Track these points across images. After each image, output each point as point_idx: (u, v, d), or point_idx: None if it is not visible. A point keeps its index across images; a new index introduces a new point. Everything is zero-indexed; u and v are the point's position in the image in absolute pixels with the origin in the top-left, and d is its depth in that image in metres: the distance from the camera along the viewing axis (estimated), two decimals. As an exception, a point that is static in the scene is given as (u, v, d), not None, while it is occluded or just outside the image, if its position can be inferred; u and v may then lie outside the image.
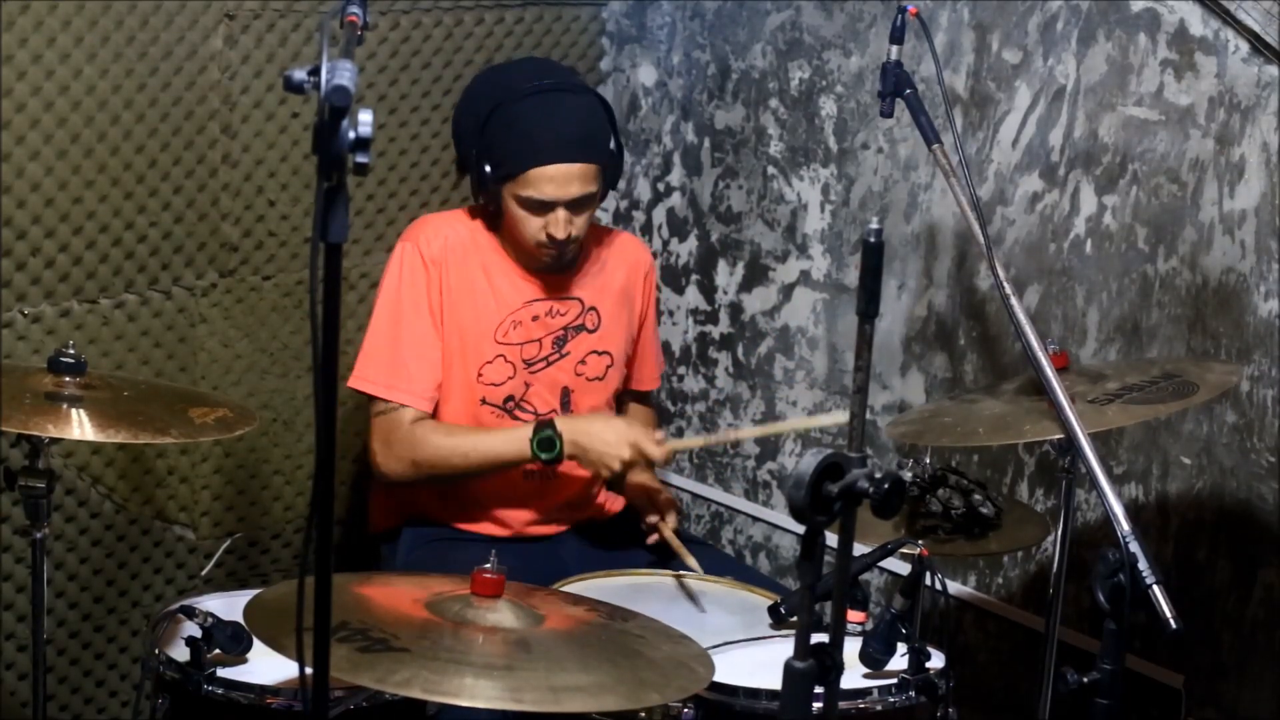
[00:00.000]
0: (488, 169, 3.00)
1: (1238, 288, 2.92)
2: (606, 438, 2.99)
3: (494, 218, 3.09)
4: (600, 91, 3.57)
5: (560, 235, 2.99)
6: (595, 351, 3.20)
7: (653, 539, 3.16)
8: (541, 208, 2.99)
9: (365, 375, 3.07)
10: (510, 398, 3.12)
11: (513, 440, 3.01)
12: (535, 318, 3.13)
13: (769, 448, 3.68)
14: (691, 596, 2.94)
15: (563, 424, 2.99)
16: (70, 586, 3.18)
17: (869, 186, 3.43)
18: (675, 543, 3.10)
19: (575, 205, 3.00)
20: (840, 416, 3.36)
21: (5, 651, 3.13)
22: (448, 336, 3.07)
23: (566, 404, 3.17)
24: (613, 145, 3.07)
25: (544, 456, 2.98)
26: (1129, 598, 2.18)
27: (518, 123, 2.97)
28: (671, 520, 3.15)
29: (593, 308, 3.20)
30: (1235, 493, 2.97)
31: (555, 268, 3.11)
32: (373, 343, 3.07)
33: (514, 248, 3.10)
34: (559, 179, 2.97)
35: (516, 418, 3.12)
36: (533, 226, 3.01)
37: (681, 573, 3.00)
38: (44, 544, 2.50)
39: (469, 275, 3.08)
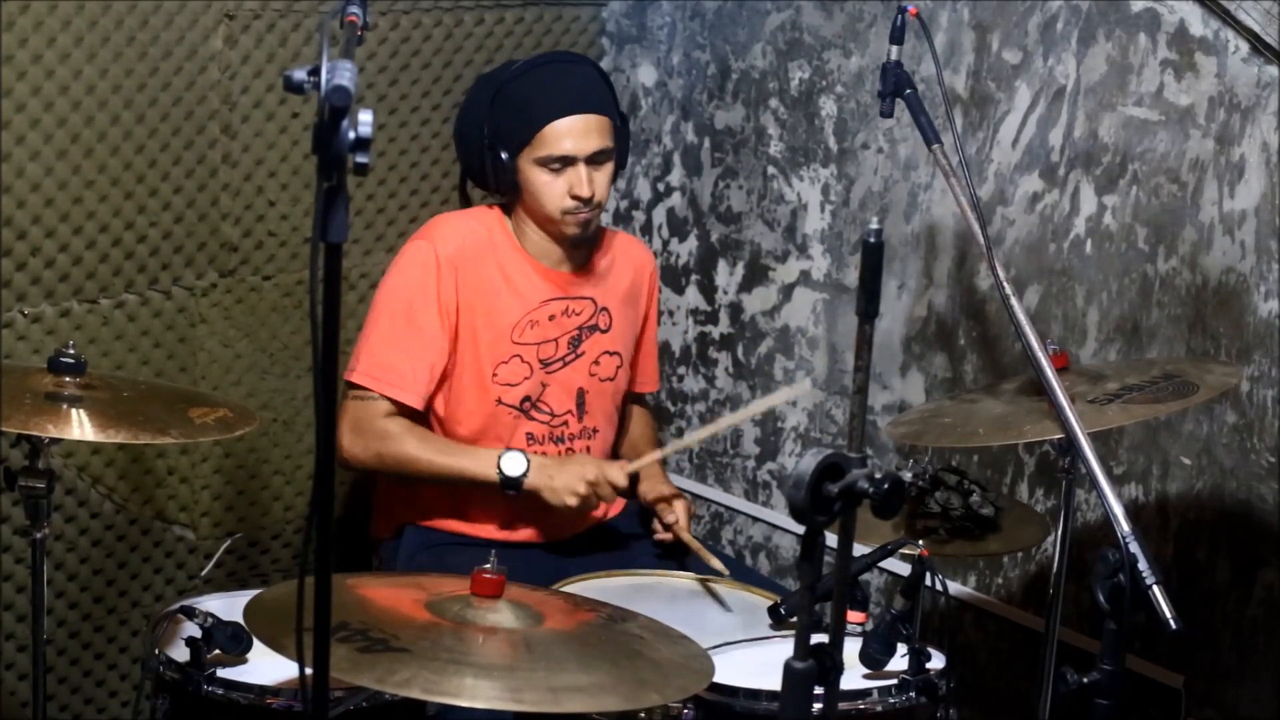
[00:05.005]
0: (503, 155, 3.00)
1: (1238, 288, 2.92)
2: (570, 468, 3.01)
3: (511, 208, 3.09)
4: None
5: (585, 193, 2.99)
6: (607, 352, 3.20)
7: (665, 537, 3.14)
8: (563, 164, 2.99)
9: (353, 364, 3.04)
10: (527, 398, 3.11)
11: (481, 458, 3.01)
12: (552, 317, 3.13)
13: (769, 448, 3.68)
14: (719, 600, 2.94)
15: (536, 458, 3.01)
16: (70, 586, 3.18)
17: (869, 186, 3.43)
18: (696, 545, 3.09)
19: (594, 161, 3.01)
20: (799, 389, 3.34)
21: (5, 651, 3.13)
22: (461, 338, 3.05)
23: (582, 405, 3.16)
24: (617, 119, 3.09)
25: (510, 474, 2.96)
26: (1129, 598, 2.18)
27: (523, 92, 3.00)
28: (684, 519, 3.14)
29: (604, 308, 3.19)
30: (1235, 493, 2.97)
31: (580, 241, 3.10)
32: (367, 334, 3.05)
33: (539, 228, 3.08)
34: (576, 131, 2.98)
35: (533, 419, 3.11)
36: (556, 191, 3.00)
37: (708, 577, 3.01)
38: (44, 544, 2.50)
39: (486, 275, 3.07)
